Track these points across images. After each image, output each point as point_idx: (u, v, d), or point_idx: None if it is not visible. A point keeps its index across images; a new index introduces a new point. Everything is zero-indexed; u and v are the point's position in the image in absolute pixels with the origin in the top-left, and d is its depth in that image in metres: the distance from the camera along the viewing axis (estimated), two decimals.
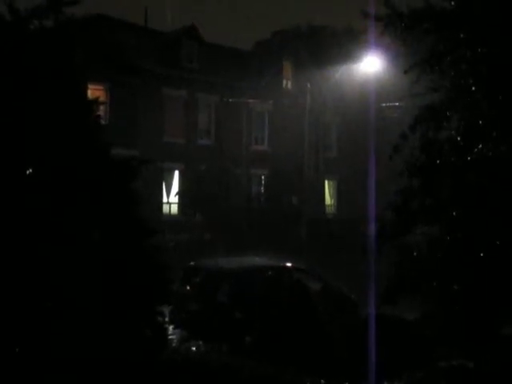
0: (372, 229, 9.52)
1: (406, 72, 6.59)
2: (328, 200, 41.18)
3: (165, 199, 32.08)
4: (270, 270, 14.54)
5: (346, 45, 36.06)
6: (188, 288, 13.64)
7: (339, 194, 40.73)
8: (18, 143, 6.42)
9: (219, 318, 12.53)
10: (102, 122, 7.57)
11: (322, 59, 36.71)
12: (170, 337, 9.52)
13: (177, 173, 32.49)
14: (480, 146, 6.10)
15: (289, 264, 15.34)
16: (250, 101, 35.08)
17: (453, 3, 6.06)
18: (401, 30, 6.10)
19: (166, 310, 8.90)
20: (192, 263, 15.16)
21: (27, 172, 6.48)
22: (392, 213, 7.24)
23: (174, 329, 11.39)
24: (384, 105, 32.49)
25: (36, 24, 7.04)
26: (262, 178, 35.41)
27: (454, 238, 6.26)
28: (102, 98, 25.22)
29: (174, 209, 32.28)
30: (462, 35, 5.88)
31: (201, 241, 28.91)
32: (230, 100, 33.89)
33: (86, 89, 8.00)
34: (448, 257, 6.28)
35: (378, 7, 6.57)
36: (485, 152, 6.01)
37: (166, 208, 32.05)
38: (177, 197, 31.51)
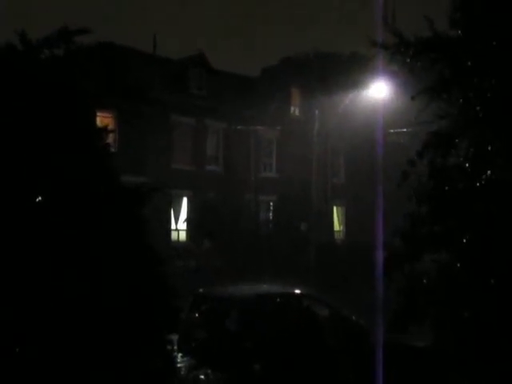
0: (379, 255, 9.50)
1: (413, 98, 6.63)
2: (336, 226, 41.14)
3: (173, 226, 32.10)
4: (278, 296, 14.50)
5: (354, 71, 36.25)
6: (197, 315, 13.61)
7: (348, 220, 40.69)
8: (27, 170, 6.48)
9: (228, 346, 12.47)
10: (112, 149, 7.61)
11: (329, 86, 36.90)
12: (178, 365, 9.49)
13: (185, 199, 32.55)
14: (488, 172, 6.11)
15: (297, 291, 15.30)
16: (258, 127, 35.26)
17: (460, 31, 6.11)
18: (408, 58, 6.15)
19: (175, 337, 8.88)
20: (201, 290, 15.13)
21: (36, 200, 6.53)
22: (400, 239, 7.22)
23: (182, 357, 11.35)
24: (392, 131, 32.57)
25: (47, 53, 7.14)
26: (271, 204, 35.45)
27: (463, 265, 6.25)
28: (110, 126, 25.37)
29: (183, 235, 32.30)
30: (468, 63, 5.92)
31: (209, 267, 28.91)
32: (238, 127, 34.06)
33: (95, 116, 8.07)
34: (458, 283, 6.26)
35: (385, 34, 6.62)
36: (493, 179, 6.01)
37: (174, 235, 32.07)
38: (185, 223, 31.54)
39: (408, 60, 6.20)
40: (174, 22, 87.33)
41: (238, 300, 13.53)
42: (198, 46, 67.50)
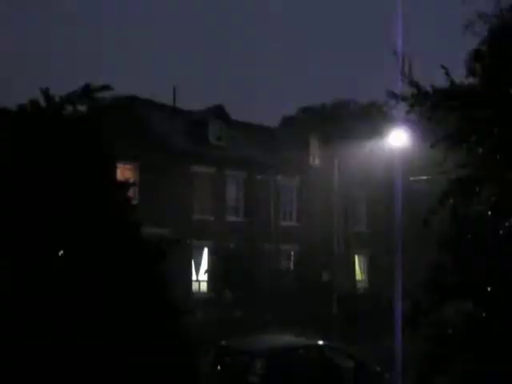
0: (401, 305, 9.40)
1: (432, 147, 6.63)
2: (359, 275, 40.76)
3: (194, 277, 32.01)
4: (301, 348, 14.34)
5: (372, 119, 36.42)
6: (219, 368, 13.47)
7: (370, 269, 40.32)
8: (50, 224, 6.53)
9: None
10: (133, 202, 7.65)
11: (348, 134, 37.08)
12: None
13: (206, 250, 32.51)
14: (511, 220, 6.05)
15: (320, 342, 15.12)
16: (278, 176, 35.34)
17: (477, 80, 6.13)
18: (426, 108, 6.16)
19: None
20: (223, 342, 15.01)
21: (59, 253, 6.55)
22: (424, 289, 7.11)
23: None
24: (412, 179, 32.49)
25: (69, 109, 7.26)
26: (292, 253, 35.27)
27: (489, 315, 6.14)
28: (131, 177, 25.48)
29: (204, 286, 32.17)
30: (487, 112, 5.92)
31: (231, 318, 28.67)
32: (258, 176, 34.18)
33: (115, 170, 8.14)
34: (485, 334, 6.14)
35: (402, 84, 6.65)
36: None
37: (195, 286, 31.95)
38: (206, 274, 31.44)
39: (426, 110, 6.21)
40: (194, 75, 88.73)
41: (261, 352, 13.40)
42: (217, 98, 68.42)
